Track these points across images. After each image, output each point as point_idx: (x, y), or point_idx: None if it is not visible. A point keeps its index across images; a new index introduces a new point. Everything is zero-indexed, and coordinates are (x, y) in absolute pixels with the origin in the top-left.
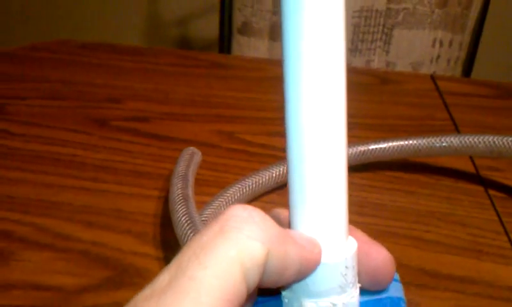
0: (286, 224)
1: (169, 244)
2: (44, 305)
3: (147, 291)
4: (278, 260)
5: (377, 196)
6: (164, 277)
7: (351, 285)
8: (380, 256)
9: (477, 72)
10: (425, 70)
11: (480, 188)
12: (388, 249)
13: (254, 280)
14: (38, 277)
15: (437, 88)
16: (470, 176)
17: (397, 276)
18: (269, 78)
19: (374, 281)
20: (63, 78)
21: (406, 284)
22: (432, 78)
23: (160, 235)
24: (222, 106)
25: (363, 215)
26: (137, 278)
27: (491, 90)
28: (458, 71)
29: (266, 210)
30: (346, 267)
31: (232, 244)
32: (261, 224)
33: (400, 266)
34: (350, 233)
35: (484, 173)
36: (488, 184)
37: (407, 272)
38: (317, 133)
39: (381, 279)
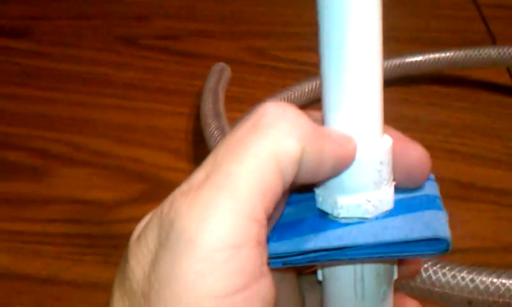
0: (319, 123)
1: (202, 159)
2: (82, 218)
3: (184, 187)
4: (313, 157)
5: (413, 109)
6: (200, 174)
7: (385, 182)
8: (416, 153)
9: None
10: None
11: None
12: None
13: (289, 177)
14: (76, 191)
15: (474, 0)
16: (507, 89)
17: (432, 176)
18: None
19: (409, 179)
20: None
21: (441, 196)
22: None
23: (194, 150)
24: (252, 22)
25: (398, 129)
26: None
27: None
28: None
29: None
30: (381, 163)
31: (266, 140)
32: (295, 121)
33: (436, 178)
34: (385, 131)
35: None
36: None
37: (442, 184)
38: (353, 24)
39: (417, 176)
